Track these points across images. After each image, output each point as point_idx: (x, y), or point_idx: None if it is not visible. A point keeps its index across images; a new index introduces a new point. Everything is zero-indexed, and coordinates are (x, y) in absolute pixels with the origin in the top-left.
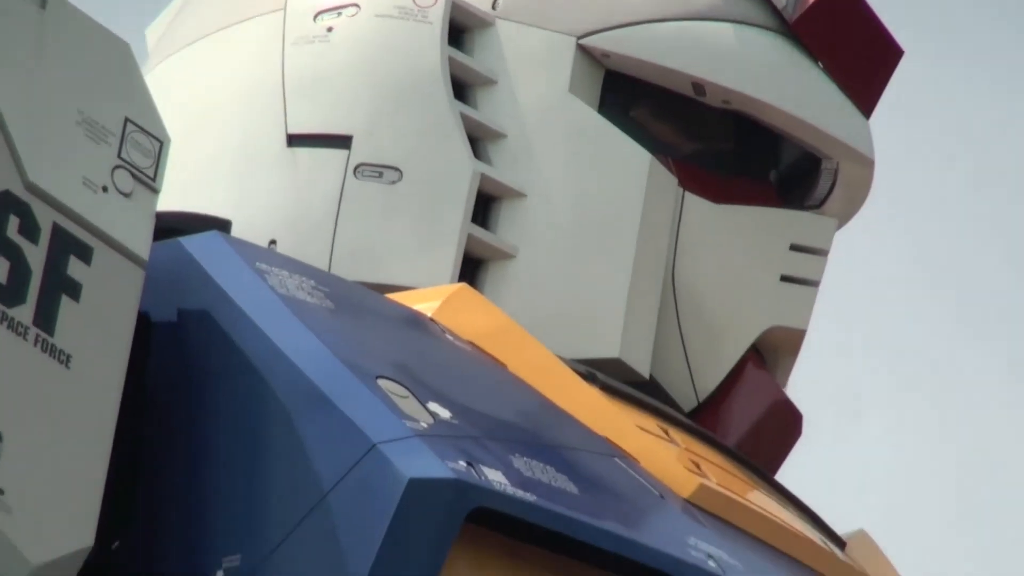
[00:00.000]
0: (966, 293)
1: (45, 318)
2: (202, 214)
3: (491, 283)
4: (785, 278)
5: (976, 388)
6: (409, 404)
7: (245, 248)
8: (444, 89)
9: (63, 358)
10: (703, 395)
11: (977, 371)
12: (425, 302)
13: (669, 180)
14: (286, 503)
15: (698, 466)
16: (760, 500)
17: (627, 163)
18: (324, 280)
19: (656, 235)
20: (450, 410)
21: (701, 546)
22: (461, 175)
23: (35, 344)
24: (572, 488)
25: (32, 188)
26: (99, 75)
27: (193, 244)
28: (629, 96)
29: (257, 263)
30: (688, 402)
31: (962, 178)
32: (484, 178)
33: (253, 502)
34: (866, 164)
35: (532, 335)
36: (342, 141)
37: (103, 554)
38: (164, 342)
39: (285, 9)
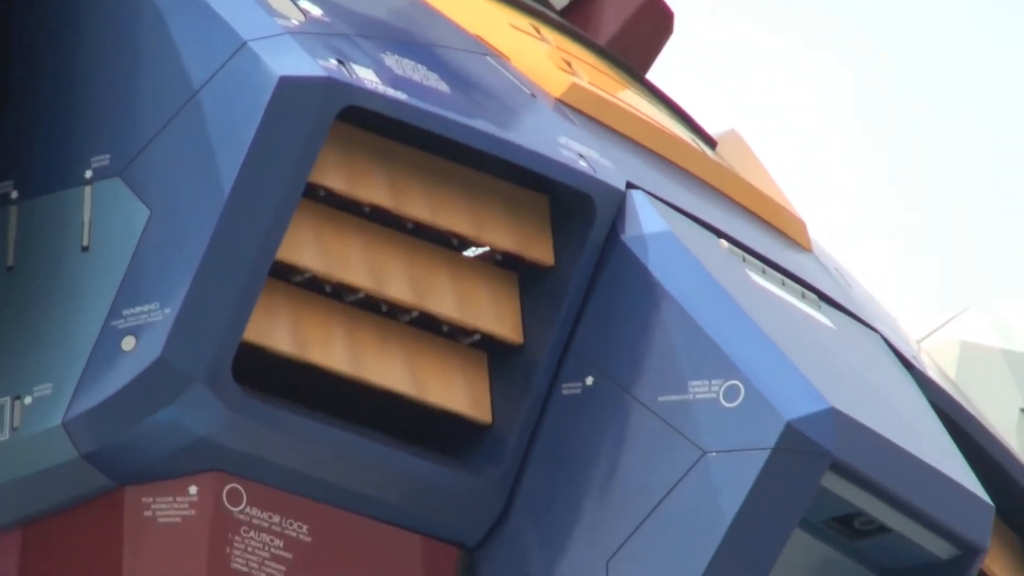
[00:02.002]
0: None
1: None
2: None
3: None
4: None
5: None
6: (280, 1)
7: None
8: None
9: None
10: None
11: None
12: None
13: None
14: (155, 102)
15: (570, 65)
16: (631, 99)
17: None
18: None
19: None
20: (321, 8)
21: (572, 145)
22: None
23: None
24: (443, 87)
25: None
26: None
27: None
28: None
29: None
30: None
31: None
32: None
33: (121, 102)
34: None
35: None
36: None
37: None
38: None
39: None
